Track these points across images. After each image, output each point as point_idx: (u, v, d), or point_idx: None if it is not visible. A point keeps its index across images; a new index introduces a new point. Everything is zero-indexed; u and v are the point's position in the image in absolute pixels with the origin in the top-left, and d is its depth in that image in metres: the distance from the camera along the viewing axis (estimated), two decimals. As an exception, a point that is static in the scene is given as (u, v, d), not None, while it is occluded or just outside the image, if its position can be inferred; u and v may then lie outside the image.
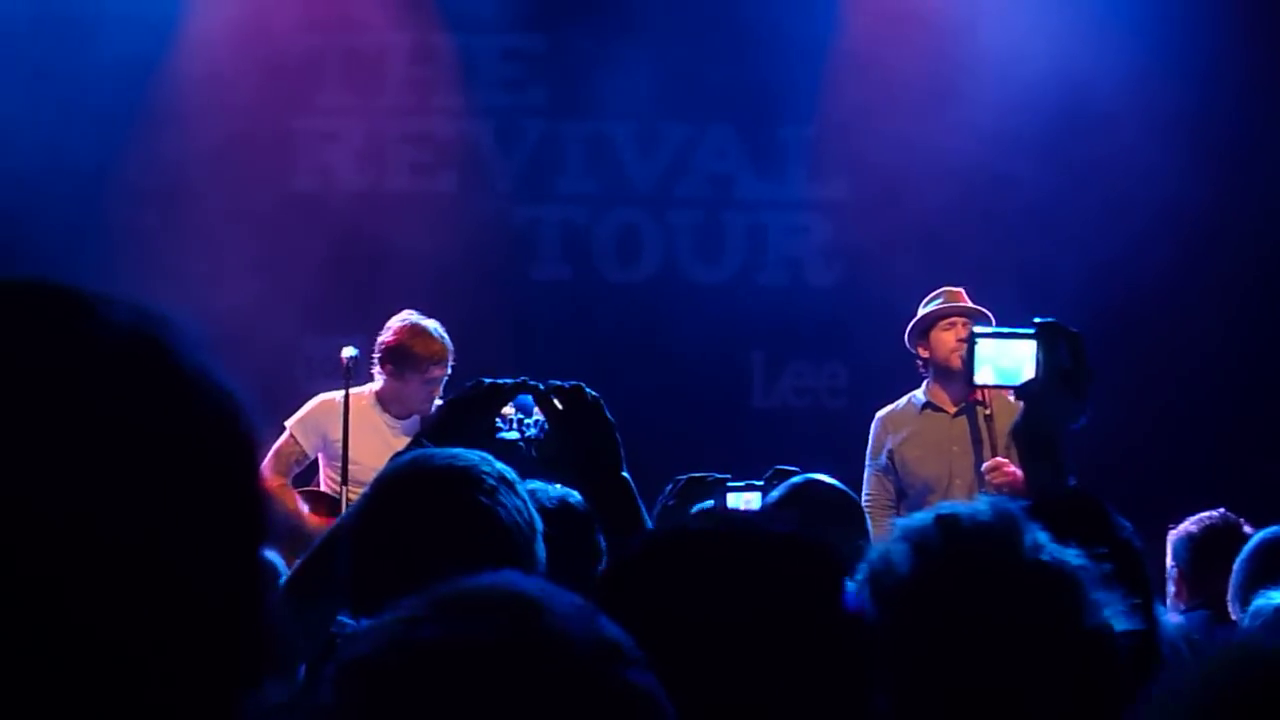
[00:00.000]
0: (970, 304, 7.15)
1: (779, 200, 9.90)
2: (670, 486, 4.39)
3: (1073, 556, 1.96)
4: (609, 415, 3.17)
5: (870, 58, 9.54)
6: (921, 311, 7.20)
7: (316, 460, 7.37)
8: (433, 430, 3.20)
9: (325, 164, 9.74)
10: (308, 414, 7.33)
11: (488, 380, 3.22)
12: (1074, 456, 3.09)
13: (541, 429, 3.21)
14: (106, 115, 9.16)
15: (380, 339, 7.24)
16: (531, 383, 3.19)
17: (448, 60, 9.80)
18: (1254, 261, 9.55)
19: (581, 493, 3.29)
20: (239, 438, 1.22)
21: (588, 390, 3.19)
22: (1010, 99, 9.32)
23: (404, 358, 7.15)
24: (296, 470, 7.35)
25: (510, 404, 3.24)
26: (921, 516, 2.03)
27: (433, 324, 7.21)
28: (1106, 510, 2.62)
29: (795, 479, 4.40)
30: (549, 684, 1.26)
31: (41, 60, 9.10)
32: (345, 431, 7.03)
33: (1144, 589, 2.35)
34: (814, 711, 1.71)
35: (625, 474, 3.13)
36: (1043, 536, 1.97)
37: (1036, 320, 3.16)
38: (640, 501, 3.14)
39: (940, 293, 7.23)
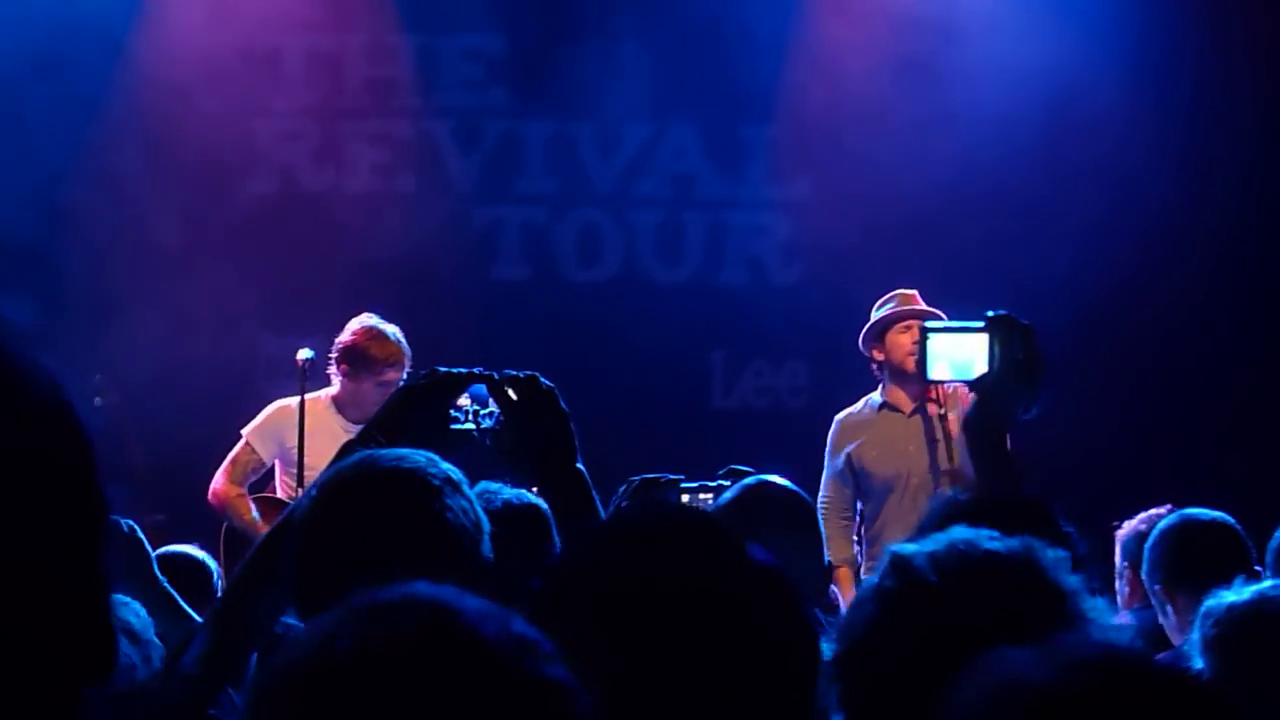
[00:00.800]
0: (925, 306, 7.15)
1: (739, 200, 9.92)
2: (624, 487, 4.38)
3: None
4: (564, 406, 3.15)
5: (832, 56, 9.55)
6: (875, 315, 7.18)
7: (273, 466, 7.34)
8: (386, 418, 3.16)
9: (284, 165, 9.71)
10: (264, 422, 7.31)
11: (442, 369, 3.20)
12: (1026, 452, 3.10)
13: (497, 420, 3.19)
14: (64, 118, 9.11)
15: (338, 339, 7.23)
16: (485, 372, 3.18)
17: (407, 60, 9.78)
18: (1214, 259, 9.59)
19: (536, 484, 3.27)
20: (68, 432, 1.22)
21: (542, 380, 3.18)
22: (974, 95, 9.34)
23: (359, 358, 7.14)
24: (253, 478, 7.34)
25: (465, 394, 3.22)
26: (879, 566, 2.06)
27: (391, 328, 7.20)
28: (1051, 513, 2.63)
29: (748, 480, 4.40)
30: (463, 682, 1.28)
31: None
32: (301, 436, 7.01)
33: None
34: (750, 660, 1.73)
35: (580, 465, 3.11)
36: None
37: (988, 314, 3.17)
38: (595, 493, 3.12)
39: (893, 295, 7.21)
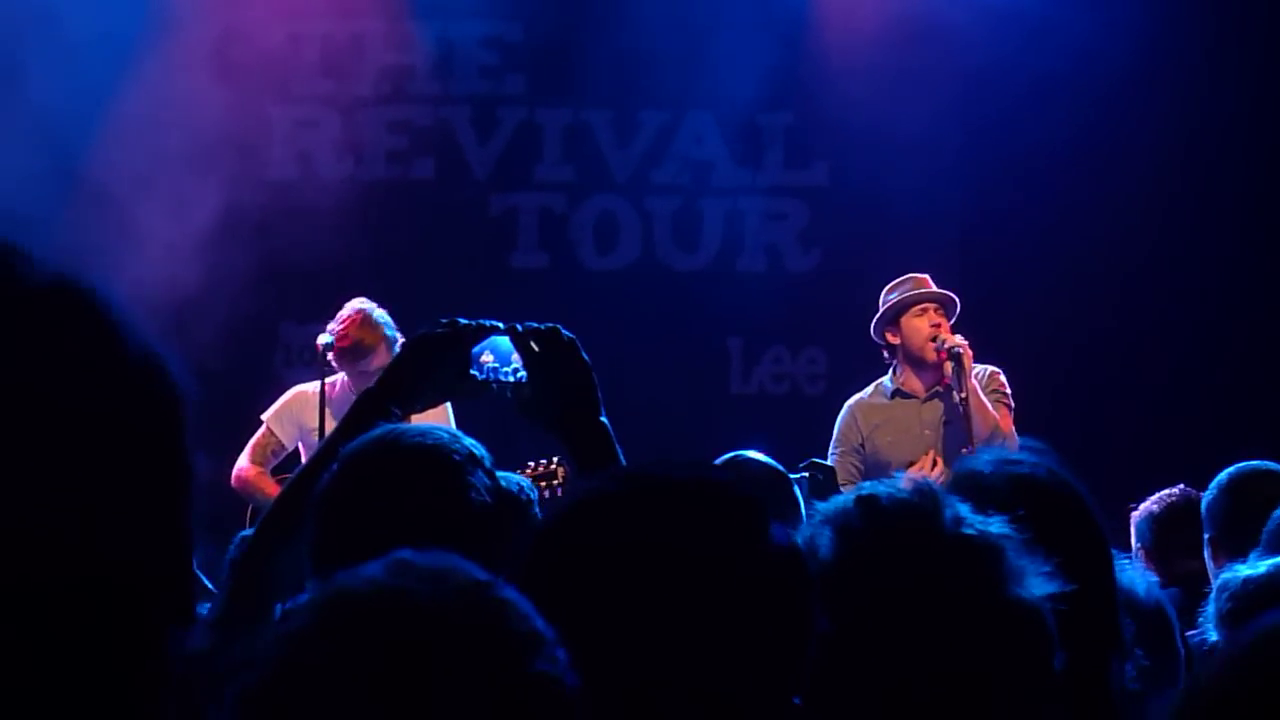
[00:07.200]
0: (938, 289, 7.11)
1: (757, 186, 9.91)
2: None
3: (995, 526, 1.96)
4: (586, 358, 3.08)
5: (849, 42, 9.54)
6: (887, 299, 7.14)
7: (297, 450, 7.37)
8: (400, 366, 3.14)
9: (302, 151, 9.73)
10: (282, 406, 7.38)
11: (462, 320, 3.16)
12: (1040, 433, 3.07)
13: (519, 378, 3.13)
14: (83, 100, 9.11)
15: (330, 325, 7.18)
16: (505, 325, 3.13)
17: (424, 48, 9.79)
18: (1231, 244, 9.57)
19: (559, 439, 3.19)
20: (164, 395, 1.23)
21: (564, 331, 3.11)
22: (992, 82, 9.31)
23: (344, 347, 7.10)
24: (275, 461, 7.39)
25: (489, 352, 3.17)
26: (842, 499, 2.03)
27: (381, 314, 7.13)
28: (1063, 475, 2.61)
29: (726, 455, 4.42)
30: (442, 701, 1.26)
31: (18, 45, 9.02)
32: (321, 419, 7.02)
33: (1099, 547, 2.36)
34: (754, 649, 1.72)
35: (604, 419, 3.00)
36: (964, 509, 1.97)
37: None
38: (619, 448, 3.00)
39: (905, 279, 7.15)
